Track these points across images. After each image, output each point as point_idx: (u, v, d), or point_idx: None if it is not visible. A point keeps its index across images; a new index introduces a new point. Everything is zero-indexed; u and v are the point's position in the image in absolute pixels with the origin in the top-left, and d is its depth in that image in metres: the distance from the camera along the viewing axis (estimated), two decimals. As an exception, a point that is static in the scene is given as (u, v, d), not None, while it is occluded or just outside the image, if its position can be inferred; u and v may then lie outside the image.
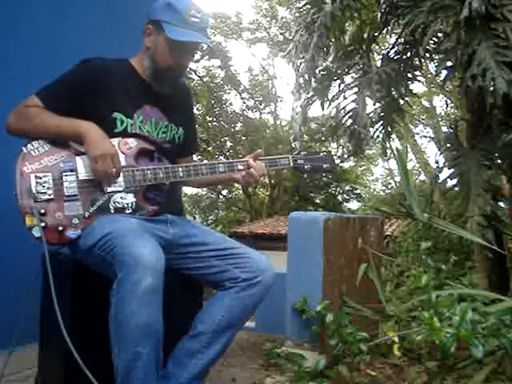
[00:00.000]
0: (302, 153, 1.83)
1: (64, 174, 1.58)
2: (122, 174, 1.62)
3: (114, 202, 1.60)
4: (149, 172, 1.64)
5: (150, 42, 1.68)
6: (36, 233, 1.51)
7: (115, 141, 1.63)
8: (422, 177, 16.44)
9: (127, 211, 1.61)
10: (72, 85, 1.65)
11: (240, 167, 1.75)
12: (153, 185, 1.66)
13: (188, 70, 1.84)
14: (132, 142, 1.65)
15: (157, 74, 1.69)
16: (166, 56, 1.65)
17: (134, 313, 1.37)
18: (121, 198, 1.61)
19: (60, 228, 1.54)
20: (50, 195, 1.55)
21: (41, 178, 1.55)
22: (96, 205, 1.59)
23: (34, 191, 1.54)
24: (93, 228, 1.54)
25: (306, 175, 1.87)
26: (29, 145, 1.59)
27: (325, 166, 1.84)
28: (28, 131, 1.61)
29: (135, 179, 1.63)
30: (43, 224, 1.52)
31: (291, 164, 1.81)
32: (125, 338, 1.39)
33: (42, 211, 1.53)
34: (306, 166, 1.82)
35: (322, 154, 1.85)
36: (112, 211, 1.60)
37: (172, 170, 1.67)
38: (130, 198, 1.62)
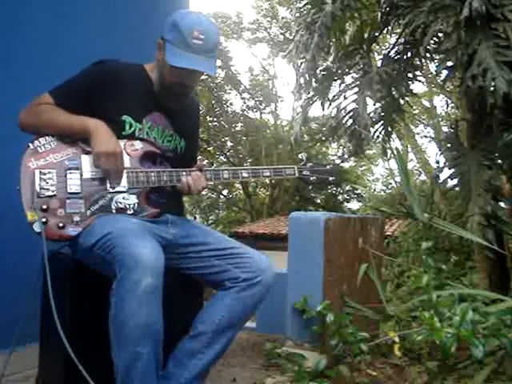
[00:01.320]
0: (308, 164, 1.83)
1: (68, 171, 1.59)
2: (125, 175, 1.63)
3: (116, 202, 1.61)
4: (153, 174, 1.65)
5: (159, 56, 1.68)
6: (36, 228, 1.51)
7: (121, 142, 1.64)
8: (423, 177, 16.44)
9: (129, 212, 1.62)
10: (83, 85, 1.66)
11: (244, 175, 1.75)
12: (155, 187, 1.66)
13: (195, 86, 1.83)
14: (138, 144, 1.67)
15: (163, 88, 1.69)
16: (170, 74, 1.64)
17: (133, 313, 1.37)
18: (123, 198, 1.62)
19: (61, 224, 1.54)
20: (52, 192, 1.56)
21: (45, 175, 1.56)
22: (98, 204, 1.59)
23: (38, 187, 1.55)
24: (93, 227, 1.54)
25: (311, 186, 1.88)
26: (36, 141, 1.61)
27: (330, 178, 1.85)
28: (37, 127, 1.63)
29: (139, 181, 1.64)
30: (44, 220, 1.52)
31: (297, 174, 1.81)
32: (124, 338, 1.39)
33: (44, 207, 1.53)
34: (311, 178, 1.83)
35: (328, 167, 1.86)
36: (114, 211, 1.60)
37: (176, 173, 1.68)
38: (132, 199, 1.63)
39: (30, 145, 1.60)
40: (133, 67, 1.74)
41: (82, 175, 1.60)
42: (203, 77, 1.81)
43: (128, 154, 1.64)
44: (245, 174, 1.76)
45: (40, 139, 1.61)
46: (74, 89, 1.67)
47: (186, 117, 1.82)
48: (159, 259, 1.41)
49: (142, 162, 1.67)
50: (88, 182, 1.60)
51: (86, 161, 1.61)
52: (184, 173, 1.68)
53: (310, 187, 20.39)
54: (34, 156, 1.58)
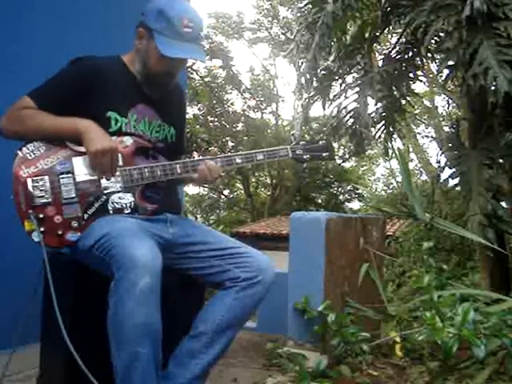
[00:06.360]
0: (300, 142, 1.80)
1: (61, 176, 1.56)
2: (119, 174, 1.61)
3: (112, 203, 1.59)
4: (146, 170, 1.62)
5: (141, 45, 1.65)
6: (35, 238, 1.50)
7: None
8: (424, 177, 16.42)
9: (126, 211, 1.60)
10: (65, 85, 1.62)
11: (238, 161, 1.73)
12: (150, 183, 1.65)
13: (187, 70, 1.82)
14: (128, 140, 1.63)
15: (148, 78, 1.67)
16: (157, 64, 1.63)
17: (131, 313, 1.36)
18: (119, 198, 1.60)
19: (59, 232, 1.52)
20: (47, 199, 1.53)
21: (38, 182, 1.53)
22: (94, 206, 1.57)
23: (32, 195, 1.52)
24: (91, 229, 1.53)
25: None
26: (24, 148, 1.57)
27: (324, 154, 1.81)
28: (23, 134, 1.59)
29: (133, 178, 1.61)
30: (42, 229, 1.50)
31: (290, 155, 1.78)
32: (123, 338, 1.38)
33: (41, 216, 1.51)
34: (305, 156, 1.79)
35: (320, 143, 1.81)
36: (111, 212, 1.58)
37: (169, 166, 1.65)
38: (128, 198, 1.61)
39: (19, 152, 1.56)
40: (111, 61, 1.70)
41: (75, 179, 1.57)
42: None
43: (119, 152, 1.61)
44: (238, 160, 1.72)
45: (28, 146, 1.57)
46: (55, 89, 1.63)
47: (171, 104, 1.80)
48: (157, 259, 1.41)
49: (134, 158, 1.64)
50: (82, 184, 1.57)
51: (77, 163, 1.58)
52: (177, 165, 1.66)
53: (311, 186, 20.39)
54: (25, 164, 1.54)
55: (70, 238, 1.54)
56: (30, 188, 1.53)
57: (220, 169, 1.69)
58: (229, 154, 1.79)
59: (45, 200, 1.53)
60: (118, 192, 1.60)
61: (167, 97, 1.75)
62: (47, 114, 1.59)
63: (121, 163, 1.61)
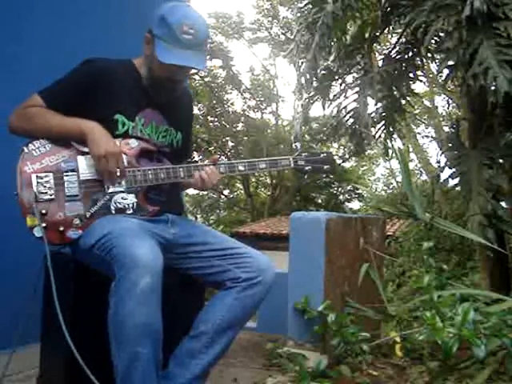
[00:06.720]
0: (302, 154, 1.83)
1: (65, 174, 1.57)
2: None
3: (115, 203, 1.60)
4: (150, 172, 1.64)
5: (147, 51, 1.66)
6: (37, 233, 1.51)
7: (116, 141, 1.63)
8: (424, 177, 16.42)
9: (128, 211, 1.61)
10: (74, 85, 1.64)
11: (241, 168, 1.74)
12: (153, 185, 1.66)
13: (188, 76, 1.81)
14: (133, 143, 1.65)
15: (154, 83, 1.68)
16: (160, 70, 1.63)
17: (132, 312, 1.36)
18: (122, 198, 1.61)
19: (61, 228, 1.53)
20: (51, 195, 1.54)
21: (42, 178, 1.55)
22: (97, 205, 1.58)
23: (35, 191, 1.53)
24: (93, 228, 1.54)
25: (306, 176, 1.87)
26: (30, 144, 1.59)
27: (325, 167, 1.84)
28: (30, 131, 1.61)
29: (136, 179, 1.63)
30: (44, 224, 1.51)
31: (292, 165, 1.81)
32: (124, 338, 1.38)
33: (43, 211, 1.52)
34: (306, 167, 1.82)
35: (322, 155, 1.85)
36: (113, 211, 1.59)
37: (173, 170, 1.67)
38: (130, 199, 1.62)
39: (25, 148, 1.58)
40: (122, 64, 1.72)
41: (79, 177, 1.58)
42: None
43: (124, 153, 1.62)
44: (241, 168, 1.74)
45: (34, 142, 1.59)
46: (65, 89, 1.64)
47: (179, 109, 1.81)
48: (158, 259, 1.41)
49: (138, 160, 1.66)
50: (85, 183, 1.59)
51: (82, 162, 1.60)
52: (181, 169, 1.67)
53: (311, 186, 20.39)
54: (30, 160, 1.56)
55: (71, 236, 1.55)
56: (34, 184, 1.54)
57: (219, 174, 1.70)
58: (232, 161, 1.81)
59: (48, 196, 1.54)
60: (122, 192, 1.61)
61: (175, 102, 1.76)
62: (54, 113, 1.61)
63: (125, 164, 1.62)
